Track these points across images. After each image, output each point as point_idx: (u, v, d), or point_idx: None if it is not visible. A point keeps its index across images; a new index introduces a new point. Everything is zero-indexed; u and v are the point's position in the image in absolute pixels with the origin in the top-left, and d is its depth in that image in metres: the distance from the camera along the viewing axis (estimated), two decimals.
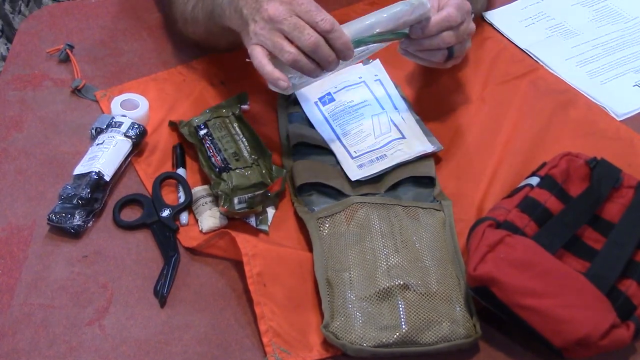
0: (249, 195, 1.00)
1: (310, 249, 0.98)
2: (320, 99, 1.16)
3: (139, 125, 1.09)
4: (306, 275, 0.96)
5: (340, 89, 1.16)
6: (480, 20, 1.34)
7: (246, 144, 1.07)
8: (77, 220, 1.00)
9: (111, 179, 1.05)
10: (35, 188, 1.07)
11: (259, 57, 0.97)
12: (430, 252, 0.95)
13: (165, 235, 1.00)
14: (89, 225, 1.02)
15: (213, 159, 1.04)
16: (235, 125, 1.10)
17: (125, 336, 0.91)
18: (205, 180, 1.07)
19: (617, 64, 1.27)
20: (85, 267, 0.98)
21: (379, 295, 0.90)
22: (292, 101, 1.16)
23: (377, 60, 1.20)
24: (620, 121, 1.18)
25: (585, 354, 0.85)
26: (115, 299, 0.94)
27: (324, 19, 0.96)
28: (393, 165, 1.06)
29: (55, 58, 1.26)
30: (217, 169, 1.03)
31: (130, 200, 1.05)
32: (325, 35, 0.96)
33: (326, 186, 1.04)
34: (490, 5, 1.37)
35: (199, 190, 1.04)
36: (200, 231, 1.01)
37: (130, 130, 1.08)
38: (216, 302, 0.94)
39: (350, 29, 1.01)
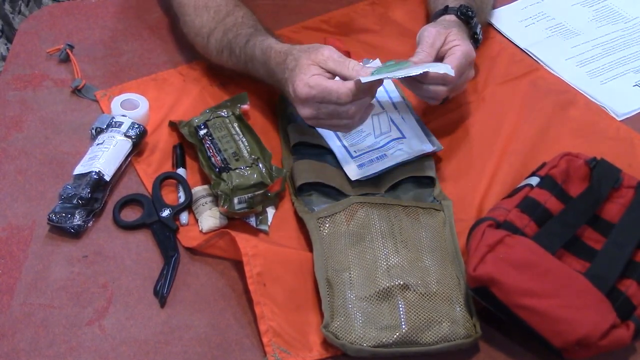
0: (249, 195, 1.00)
1: (310, 249, 0.98)
2: None
3: (139, 125, 1.09)
4: (306, 275, 0.96)
5: None
6: None
7: (246, 144, 1.07)
8: (77, 220, 1.00)
9: (111, 179, 1.05)
10: (35, 188, 1.07)
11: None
12: (430, 252, 0.95)
13: (165, 235, 1.00)
14: (89, 225, 1.02)
15: (213, 159, 1.04)
16: (235, 125, 1.10)
17: (125, 336, 0.91)
18: (205, 180, 1.07)
19: (617, 64, 1.27)
20: (85, 267, 0.98)
21: (379, 295, 0.90)
22: None
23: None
24: (620, 121, 1.18)
25: (585, 354, 0.85)
26: (115, 299, 0.94)
27: (346, 110, 0.99)
28: (393, 165, 1.06)
29: (55, 58, 1.26)
30: (217, 169, 1.03)
31: (130, 200, 1.05)
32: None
33: (326, 186, 1.04)
34: None
35: (199, 190, 1.04)
36: (200, 231, 1.01)
37: (130, 130, 1.08)
38: (216, 302, 0.94)
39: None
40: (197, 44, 1.18)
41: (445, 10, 1.15)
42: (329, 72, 0.98)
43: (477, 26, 1.15)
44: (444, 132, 1.13)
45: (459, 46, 1.06)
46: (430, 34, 1.07)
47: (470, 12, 1.13)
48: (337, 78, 0.98)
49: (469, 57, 1.07)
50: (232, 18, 1.14)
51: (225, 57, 1.14)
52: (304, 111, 1.00)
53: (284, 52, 1.03)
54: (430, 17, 1.20)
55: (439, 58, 1.06)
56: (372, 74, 0.96)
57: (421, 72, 0.97)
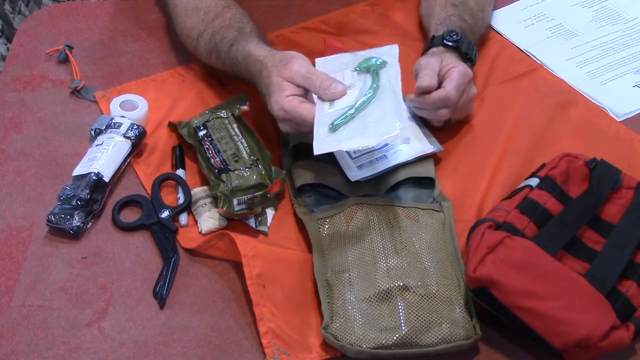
0: (249, 196, 1.00)
1: (310, 250, 0.97)
2: None
3: (138, 126, 1.09)
4: (306, 276, 0.95)
5: None
6: None
7: (245, 145, 1.06)
8: (76, 221, 1.00)
9: (110, 180, 1.05)
10: (34, 189, 1.06)
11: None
12: (429, 253, 0.95)
13: (165, 236, 1.00)
14: (88, 226, 1.01)
15: (212, 160, 1.04)
16: (235, 126, 1.10)
17: (124, 338, 0.91)
18: (204, 182, 1.07)
19: (617, 64, 1.27)
20: (84, 268, 0.98)
21: (378, 297, 0.90)
22: None
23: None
24: (620, 122, 1.18)
25: (585, 355, 0.85)
26: (114, 301, 0.94)
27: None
28: (393, 166, 1.06)
29: (55, 59, 1.25)
30: (216, 170, 1.03)
31: (130, 201, 1.05)
32: None
33: (326, 187, 1.04)
34: None
35: (198, 191, 1.04)
36: (200, 232, 1.01)
37: (129, 131, 1.08)
38: (215, 304, 0.94)
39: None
40: (188, 45, 1.19)
41: (432, 43, 1.15)
42: (300, 87, 1.00)
43: (469, 47, 1.15)
44: (443, 133, 1.13)
45: (455, 67, 1.07)
46: (429, 62, 1.09)
47: (455, 36, 1.14)
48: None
49: (466, 76, 1.08)
50: (220, 20, 1.14)
51: (213, 60, 1.15)
52: (284, 128, 1.03)
53: (260, 61, 1.04)
54: (422, 52, 1.20)
55: (438, 83, 1.07)
56: (334, 122, 0.94)
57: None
